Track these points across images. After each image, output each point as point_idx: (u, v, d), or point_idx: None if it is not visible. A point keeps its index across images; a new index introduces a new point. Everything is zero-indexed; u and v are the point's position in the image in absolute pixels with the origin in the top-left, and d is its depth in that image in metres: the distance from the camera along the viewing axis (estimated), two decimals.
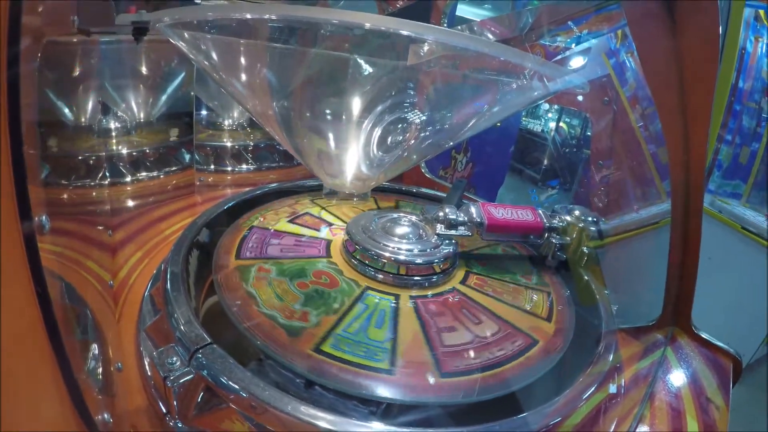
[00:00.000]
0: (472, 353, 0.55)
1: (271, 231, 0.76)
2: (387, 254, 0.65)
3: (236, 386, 0.45)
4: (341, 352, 0.52)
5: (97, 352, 0.54)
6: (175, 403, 0.48)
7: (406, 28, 0.45)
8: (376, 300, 0.61)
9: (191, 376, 0.47)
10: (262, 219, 0.80)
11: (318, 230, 0.78)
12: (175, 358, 0.49)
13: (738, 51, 1.91)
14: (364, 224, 0.71)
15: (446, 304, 0.63)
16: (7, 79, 0.31)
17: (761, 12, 1.92)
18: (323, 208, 0.86)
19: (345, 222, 0.81)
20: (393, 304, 0.61)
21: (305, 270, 0.65)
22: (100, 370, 0.52)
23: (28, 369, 0.36)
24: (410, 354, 0.53)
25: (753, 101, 1.99)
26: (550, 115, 3.41)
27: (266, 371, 0.51)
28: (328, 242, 0.74)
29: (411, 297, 0.63)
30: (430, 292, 0.64)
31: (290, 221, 0.80)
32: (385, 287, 0.64)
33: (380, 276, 0.65)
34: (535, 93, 0.62)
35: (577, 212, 0.75)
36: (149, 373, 0.54)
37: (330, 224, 0.81)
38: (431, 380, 0.50)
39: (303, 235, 0.75)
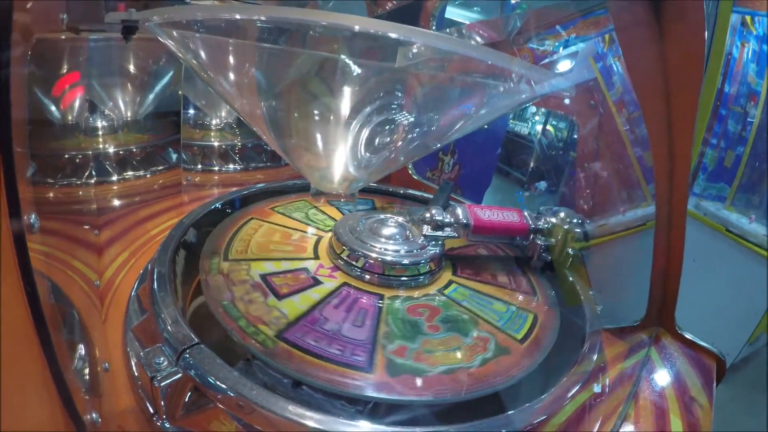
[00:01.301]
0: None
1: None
2: (374, 255, 0.65)
3: (224, 386, 0.45)
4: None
5: (83, 352, 0.53)
6: (162, 403, 0.47)
7: (394, 31, 0.45)
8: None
9: (179, 376, 0.47)
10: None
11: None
12: (162, 358, 0.49)
13: (724, 56, 1.94)
14: (351, 225, 0.71)
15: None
16: None
17: (747, 18, 1.95)
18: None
19: (334, 220, 0.81)
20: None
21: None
22: (87, 370, 0.52)
23: (18, 368, 0.36)
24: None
25: (738, 106, 2.01)
26: (537, 118, 3.44)
27: (254, 371, 0.51)
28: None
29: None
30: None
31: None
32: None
33: (366, 276, 0.65)
34: (522, 96, 0.63)
35: (562, 214, 0.76)
36: (136, 374, 0.54)
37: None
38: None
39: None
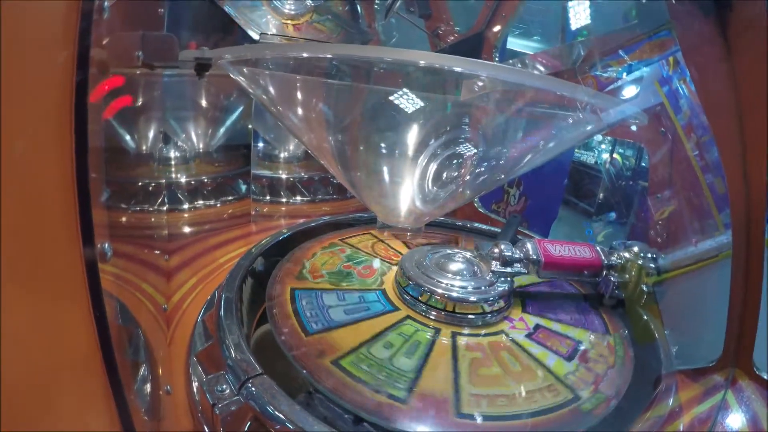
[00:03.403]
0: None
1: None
2: (439, 290, 0.64)
3: (284, 418, 0.45)
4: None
5: (146, 373, 0.55)
6: (221, 430, 0.48)
7: (458, 64, 0.46)
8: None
9: (240, 405, 0.48)
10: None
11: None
12: (224, 386, 0.50)
13: None
14: (417, 259, 0.70)
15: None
16: (75, 107, 0.33)
17: None
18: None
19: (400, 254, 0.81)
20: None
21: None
22: (148, 391, 0.54)
23: (80, 388, 0.38)
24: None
25: None
26: (603, 146, 3.33)
27: (315, 404, 0.51)
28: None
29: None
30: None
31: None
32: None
33: (433, 314, 0.64)
34: (590, 126, 0.61)
35: (635, 248, 0.72)
36: (197, 399, 0.55)
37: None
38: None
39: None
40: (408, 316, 0.64)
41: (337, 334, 0.59)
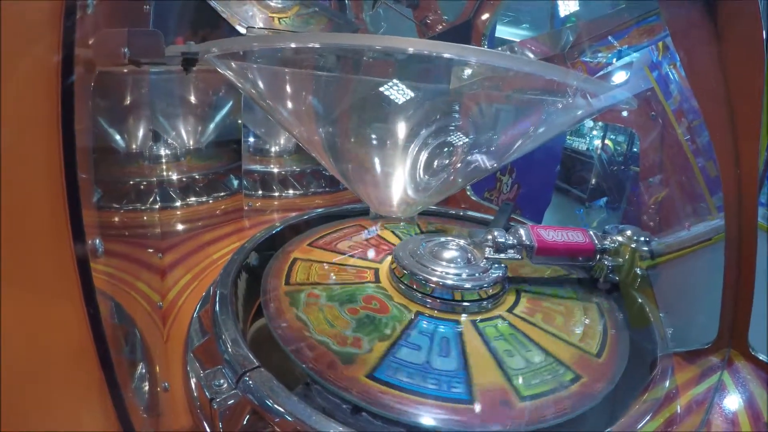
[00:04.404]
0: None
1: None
2: (435, 279, 0.64)
3: (282, 410, 0.45)
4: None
5: (144, 371, 0.55)
6: (220, 425, 0.48)
7: (448, 50, 0.45)
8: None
9: (238, 398, 0.48)
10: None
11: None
12: (222, 380, 0.49)
13: None
14: (411, 248, 0.70)
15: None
16: (62, 107, 0.33)
17: None
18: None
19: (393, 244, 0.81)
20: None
21: (355, 295, 0.65)
22: (146, 388, 0.53)
23: (76, 385, 0.38)
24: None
25: None
26: (594, 132, 3.35)
27: (313, 396, 0.51)
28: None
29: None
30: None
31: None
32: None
33: (429, 301, 0.64)
34: (580, 112, 0.61)
35: (628, 232, 0.72)
36: (195, 394, 0.55)
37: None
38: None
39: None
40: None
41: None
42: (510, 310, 0.66)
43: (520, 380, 0.53)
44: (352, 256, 0.78)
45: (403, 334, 0.59)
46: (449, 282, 0.64)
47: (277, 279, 0.69)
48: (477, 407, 0.49)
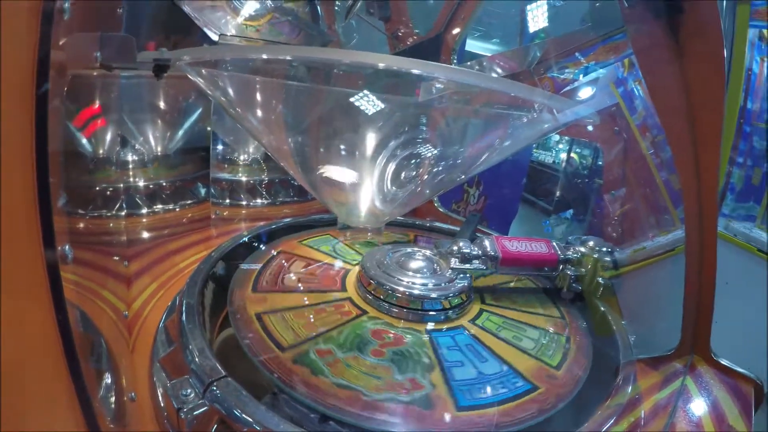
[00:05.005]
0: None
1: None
2: (401, 288, 0.65)
3: (250, 419, 0.45)
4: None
5: (110, 381, 0.54)
6: None
7: (417, 67, 0.46)
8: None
9: (205, 408, 0.47)
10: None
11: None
12: (189, 390, 0.49)
13: (744, 72, 1.90)
14: (378, 258, 0.71)
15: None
16: (36, 110, 0.32)
17: (765, 32, 1.91)
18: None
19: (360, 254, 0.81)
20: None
21: (363, 336, 0.62)
22: (113, 399, 0.52)
23: (45, 394, 0.37)
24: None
25: (762, 121, 1.96)
26: (561, 146, 3.43)
27: (280, 405, 0.51)
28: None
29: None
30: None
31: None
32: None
33: (395, 310, 0.65)
34: (545, 126, 0.63)
35: (591, 243, 0.75)
36: (162, 404, 0.54)
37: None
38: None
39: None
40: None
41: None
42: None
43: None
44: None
45: (440, 357, 0.59)
46: (415, 292, 0.65)
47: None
48: (543, 387, 0.54)
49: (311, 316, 0.64)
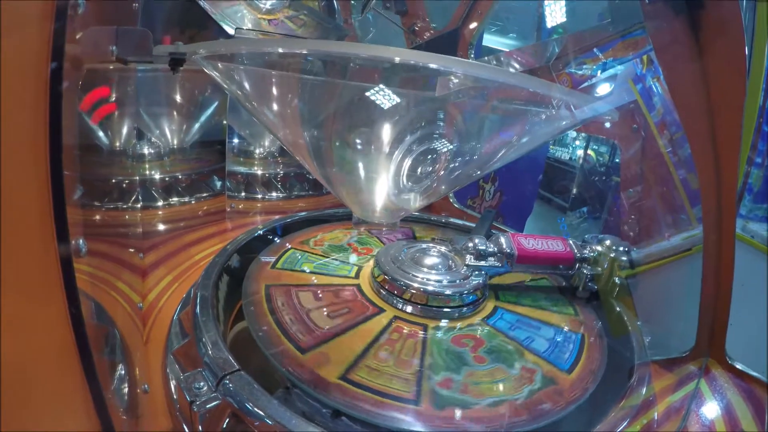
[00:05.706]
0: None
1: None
2: (415, 285, 0.65)
3: (262, 413, 0.45)
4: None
5: (123, 372, 0.54)
6: (200, 427, 0.48)
7: (434, 61, 0.46)
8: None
9: (218, 401, 0.47)
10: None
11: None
12: (202, 383, 0.49)
13: (765, 71, 1.86)
14: (393, 254, 0.71)
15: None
16: (50, 103, 0.32)
17: None
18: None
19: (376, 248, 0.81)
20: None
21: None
22: (126, 390, 0.53)
23: (57, 385, 0.37)
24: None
25: None
26: (577, 143, 3.39)
27: (293, 400, 0.51)
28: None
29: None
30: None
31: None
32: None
33: (409, 308, 0.64)
34: (563, 122, 0.62)
35: (608, 242, 0.73)
36: (175, 397, 0.54)
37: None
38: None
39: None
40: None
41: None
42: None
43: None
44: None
45: (517, 340, 0.62)
46: (429, 288, 0.65)
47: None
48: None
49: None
